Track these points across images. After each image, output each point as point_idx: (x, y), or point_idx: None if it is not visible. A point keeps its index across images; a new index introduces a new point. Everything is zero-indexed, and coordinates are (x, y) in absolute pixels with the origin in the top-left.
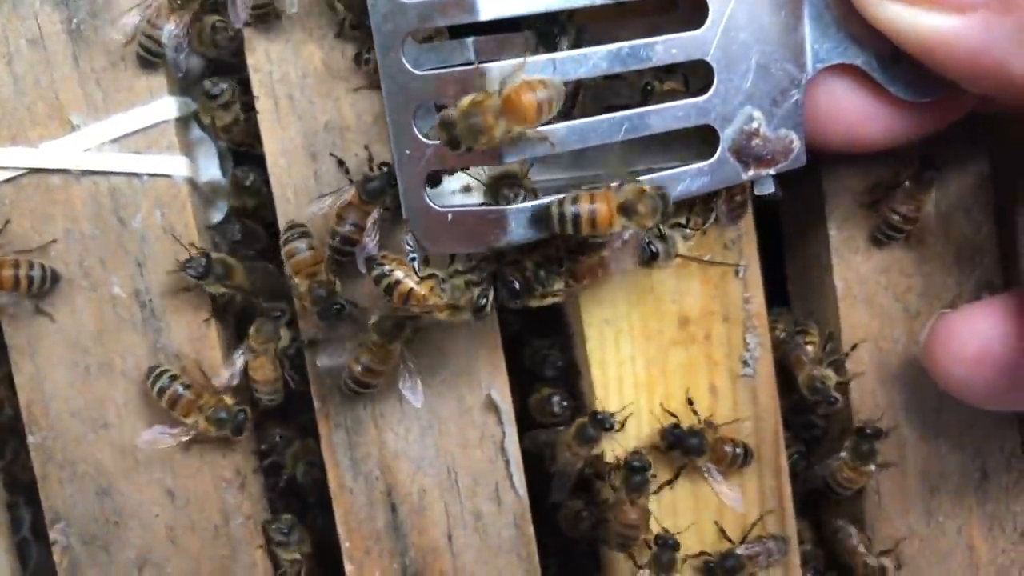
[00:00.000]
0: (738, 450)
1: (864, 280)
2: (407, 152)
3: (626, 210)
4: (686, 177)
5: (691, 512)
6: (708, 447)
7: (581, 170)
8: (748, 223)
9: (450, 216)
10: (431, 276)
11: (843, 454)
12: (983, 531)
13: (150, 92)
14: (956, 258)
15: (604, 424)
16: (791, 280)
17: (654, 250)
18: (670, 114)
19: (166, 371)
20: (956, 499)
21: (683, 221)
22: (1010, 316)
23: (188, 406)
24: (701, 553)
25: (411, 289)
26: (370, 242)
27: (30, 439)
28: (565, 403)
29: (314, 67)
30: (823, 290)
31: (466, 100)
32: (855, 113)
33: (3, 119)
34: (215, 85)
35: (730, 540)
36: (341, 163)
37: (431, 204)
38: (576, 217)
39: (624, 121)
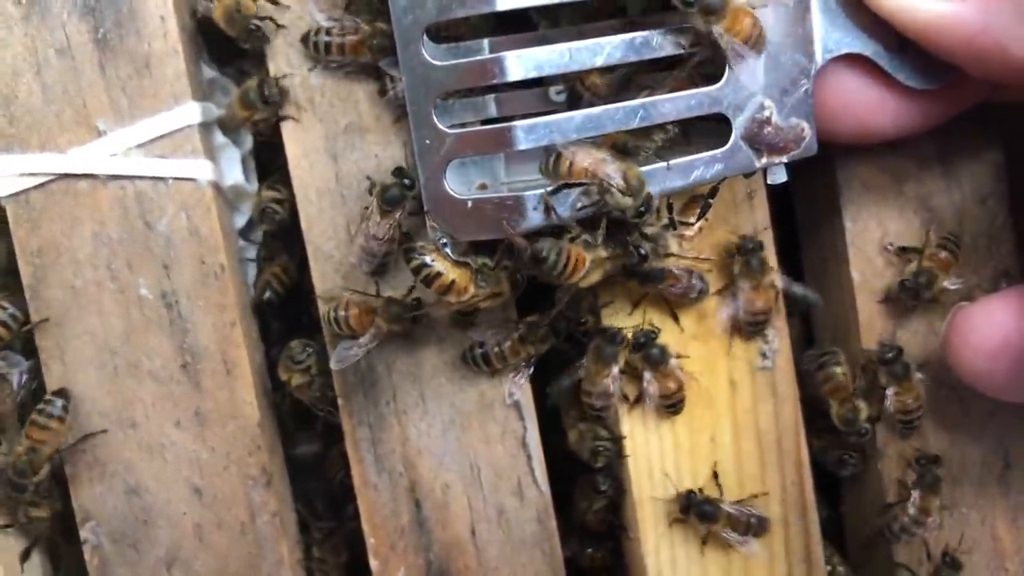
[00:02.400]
0: (752, 520)
1: (881, 272)
2: (427, 142)
3: None
4: (700, 164)
5: None
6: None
7: None
8: (764, 216)
9: (470, 203)
10: (464, 264)
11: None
12: (1007, 522)
13: (174, 98)
14: (973, 248)
15: (615, 339)
16: (808, 272)
17: (643, 252)
18: (683, 102)
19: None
20: (979, 490)
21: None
22: None
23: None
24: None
25: (453, 281)
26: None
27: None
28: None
29: (333, 71)
30: (840, 281)
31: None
32: (865, 103)
33: (33, 127)
34: (271, 90)
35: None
36: (370, 182)
37: (451, 192)
38: None
39: (639, 109)
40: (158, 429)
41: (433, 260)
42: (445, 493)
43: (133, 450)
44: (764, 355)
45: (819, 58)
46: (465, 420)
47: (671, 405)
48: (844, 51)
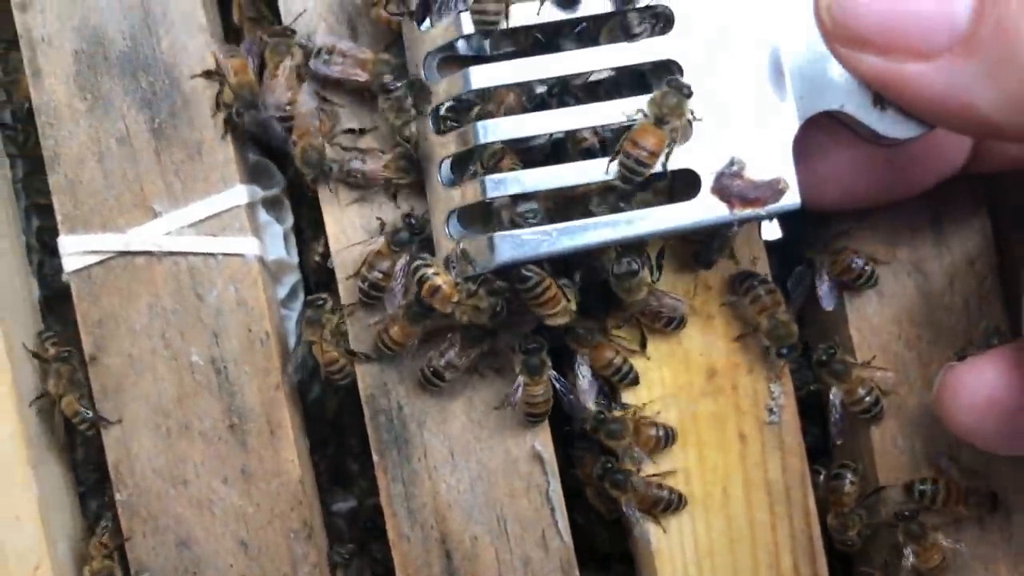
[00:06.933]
0: (660, 432)
1: (877, 331)
2: (435, 198)
3: None
4: (672, 212)
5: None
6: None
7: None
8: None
9: (461, 244)
10: (457, 282)
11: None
12: (1009, 567)
13: (224, 181)
14: (964, 307)
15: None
16: (810, 335)
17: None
18: None
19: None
20: (981, 537)
21: None
22: (1013, 367)
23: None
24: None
25: (439, 287)
26: (397, 286)
27: (117, 497)
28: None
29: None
30: (840, 341)
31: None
32: (848, 170)
33: (95, 209)
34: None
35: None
36: (380, 222)
37: (448, 236)
38: None
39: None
40: (207, 486)
41: (432, 271)
42: (474, 544)
43: (184, 505)
44: (771, 411)
45: (797, 117)
46: (492, 475)
47: (622, 376)
48: (820, 109)
